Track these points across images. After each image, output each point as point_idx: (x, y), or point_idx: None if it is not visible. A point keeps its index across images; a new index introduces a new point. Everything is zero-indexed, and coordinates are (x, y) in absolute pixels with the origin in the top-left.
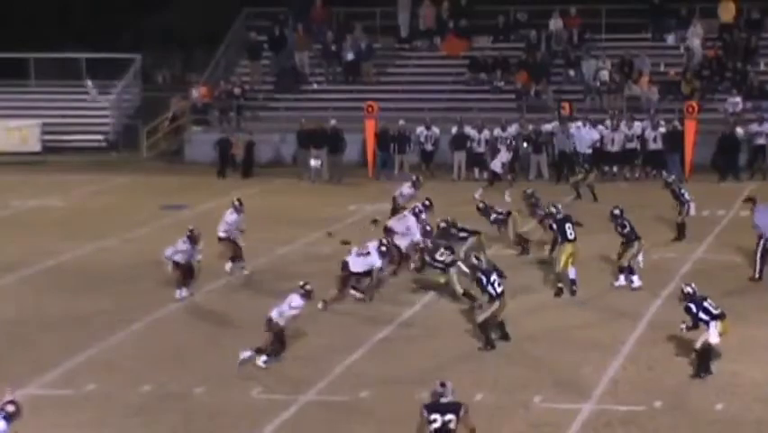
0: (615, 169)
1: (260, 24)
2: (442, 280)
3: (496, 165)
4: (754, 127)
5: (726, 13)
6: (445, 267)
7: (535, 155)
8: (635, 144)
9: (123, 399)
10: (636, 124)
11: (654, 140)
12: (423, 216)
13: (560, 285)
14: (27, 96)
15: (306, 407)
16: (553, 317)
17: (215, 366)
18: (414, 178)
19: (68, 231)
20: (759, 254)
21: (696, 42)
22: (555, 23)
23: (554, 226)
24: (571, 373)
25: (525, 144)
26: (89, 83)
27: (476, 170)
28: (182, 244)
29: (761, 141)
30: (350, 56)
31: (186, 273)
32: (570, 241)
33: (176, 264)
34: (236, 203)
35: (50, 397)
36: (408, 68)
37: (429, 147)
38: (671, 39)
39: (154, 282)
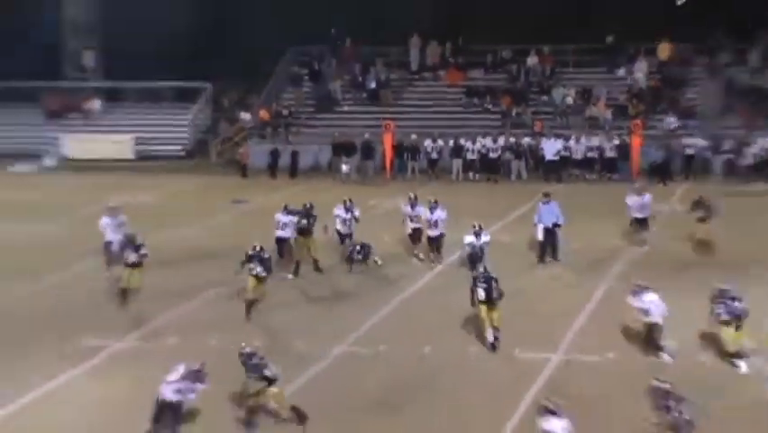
0: (578, 172)
1: (303, 60)
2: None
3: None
4: (685, 141)
5: (664, 52)
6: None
7: (516, 161)
8: (594, 153)
9: (195, 350)
10: (595, 138)
11: (610, 150)
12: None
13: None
14: (124, 117)
15: (339, 357)
16: (530, 284)
17: (271, 325)
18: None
19: (156, 221)
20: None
21: (640, 75)
22: (532, 60)
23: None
24: (544, 330)
25: (507, 153)
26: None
27: (470, 174)
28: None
29: (690, 151)
30: (372, 85)
31: None
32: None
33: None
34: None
35: (142, 348)
36: (418, 94)
37: (435, 156)
38: (621, 72)
39: (227, 259)
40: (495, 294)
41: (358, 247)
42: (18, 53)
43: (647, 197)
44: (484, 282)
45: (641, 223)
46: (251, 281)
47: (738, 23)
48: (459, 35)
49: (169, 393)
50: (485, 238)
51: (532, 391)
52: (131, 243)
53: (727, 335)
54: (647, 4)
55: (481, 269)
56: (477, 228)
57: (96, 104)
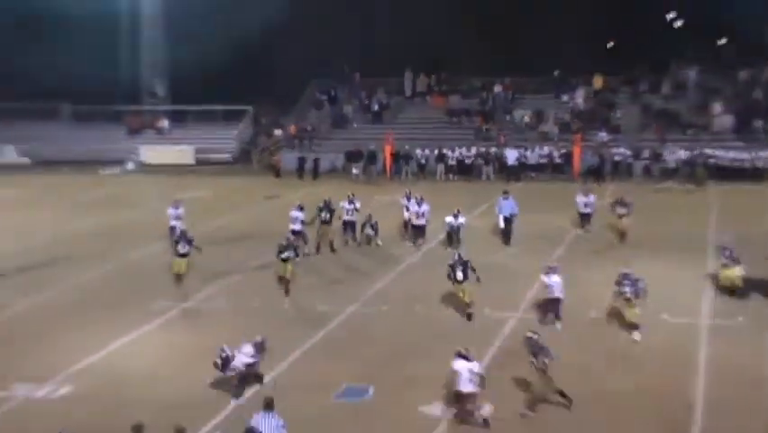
0: (533, 174)
1: (323, 89)
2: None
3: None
4: (614, 150)
5: (597, 82)
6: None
7: (485, 166)
8: (545, 159)
9: (240, 310)
10: (546, 147)
11: (558, 157)
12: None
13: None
14: (187, 131)
15: (352, 314)
16: (497, 259)
17: (298, 292)
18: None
19: (209, 210)
20: (503, 228)
21: (580, 100)
22: (497, 88)
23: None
24: (508, 294)
25: (478, 160)
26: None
27: (450, 175)
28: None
29: (617, 158)
30: (376, 107)
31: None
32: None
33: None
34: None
35: (201, 308)
36: (411, 114)
37: (423, 161)
38: (565, 98)
39: (264, 240)
40: (470, 274)
41: (372, 222)
42: (107, 84)
43: (592, 197)
44: (461, 266)
45: (586, 217)
46: (282, 266)
47: (653, 61)
48: (441, 69)
49: (240, 362)
50: (461, 219)
51: (499, 340)
52: (184, 236)
53: (630, 309)
54: (585, 47)
55: (456, 256)
56: (456, 211)
57: (165, 122)
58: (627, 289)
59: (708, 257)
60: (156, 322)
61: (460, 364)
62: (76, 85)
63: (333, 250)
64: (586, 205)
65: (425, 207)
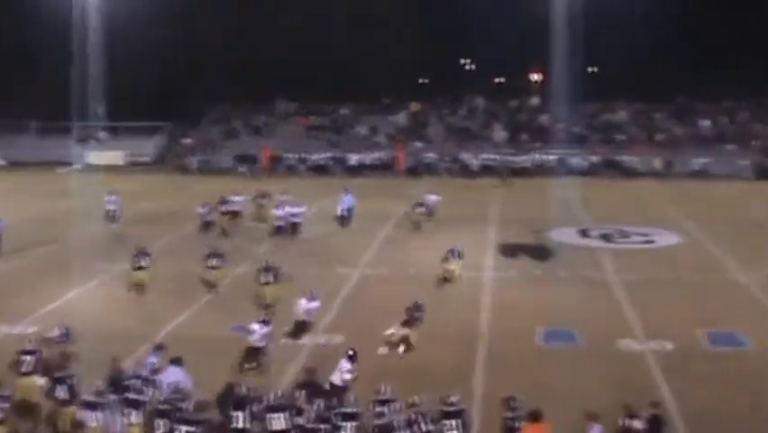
0: (371, 173)
1: (221, 110)
2: None
3: None
4: (426, 155)
5: (415, 107)
6: None
7: (335, 166)
8: (378, 162)
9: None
10: (378, 153)
11: (387, 159)
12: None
13: None
14: (119, 141)
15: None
16: (343, 233)
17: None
18: None
19: (137, 197)
20: (343, 216)
21: (402, 119)
22: (344, 110)
23: None
24: (351, 255)
25: (331, 162)
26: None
27: (310, 172)
28: None
29: (429, 161)
30: (259, 124)
31: None
32: None
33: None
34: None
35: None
36: (283, 129)
37: (292, 162)
38: (392, 117)
39: (177, 218)
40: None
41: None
42: (62, 105)
43: (435, 197)
44: (269, 270)
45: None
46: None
47: (453, 92)
48: (304, 97)
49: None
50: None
51: (345, 290)
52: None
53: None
54: (405, 82)
55: (266, 262)
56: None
57: (103, 134)
58: (415, 314)
59: (489, 230)
60: (96, 281)
61: (302, 303)
62: (42, 105)
63: (224, 234)
64: (433, 202)
65: (297, 209)
